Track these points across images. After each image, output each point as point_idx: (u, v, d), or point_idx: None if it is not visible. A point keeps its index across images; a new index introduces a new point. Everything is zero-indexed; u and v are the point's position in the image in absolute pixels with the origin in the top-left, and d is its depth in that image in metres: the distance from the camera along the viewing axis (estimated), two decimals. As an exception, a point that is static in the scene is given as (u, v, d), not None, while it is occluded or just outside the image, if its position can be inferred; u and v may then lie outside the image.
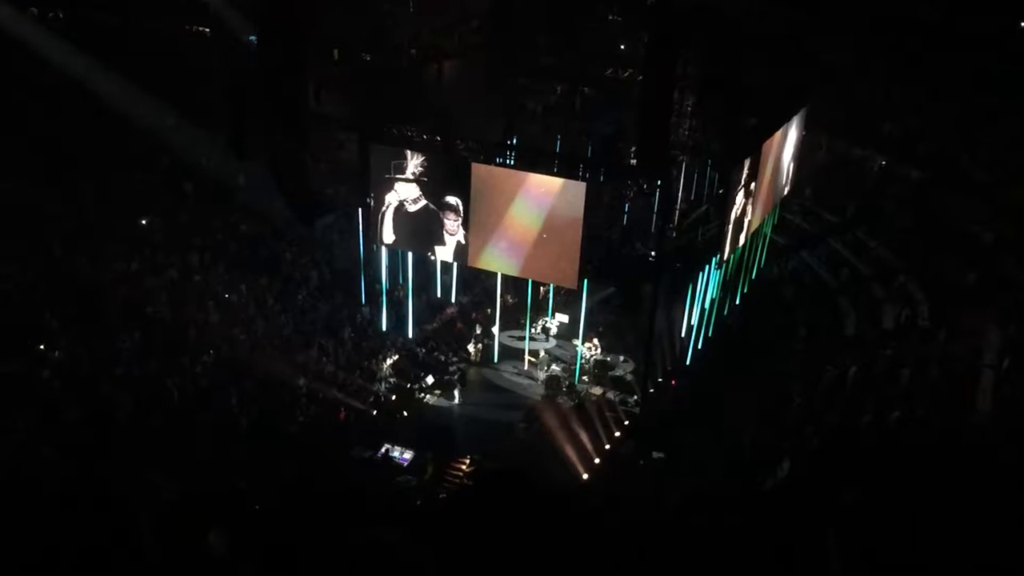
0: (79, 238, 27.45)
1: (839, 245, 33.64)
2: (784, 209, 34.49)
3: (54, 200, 27.62)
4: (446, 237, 26.04)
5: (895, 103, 35.39)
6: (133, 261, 27.47)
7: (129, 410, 21.62)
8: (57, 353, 22.98)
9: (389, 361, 27.42)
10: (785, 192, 32.44)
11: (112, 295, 25.75)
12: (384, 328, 28.82)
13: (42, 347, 23.02)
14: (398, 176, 25.84)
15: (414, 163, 25.60)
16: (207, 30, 36.83)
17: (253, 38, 28.39)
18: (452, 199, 25.40)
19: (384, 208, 26.54)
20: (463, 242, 25.83)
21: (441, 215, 25.69)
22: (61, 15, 35.04)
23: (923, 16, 33.26)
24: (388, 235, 26.82)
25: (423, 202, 25.93)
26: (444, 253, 26.57)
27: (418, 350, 28.43)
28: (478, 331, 29.58)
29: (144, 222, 29.65)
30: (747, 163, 25.70)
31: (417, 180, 25.69)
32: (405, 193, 25.99)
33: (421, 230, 26.29)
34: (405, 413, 25.78)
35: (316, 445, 23.51)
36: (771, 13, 28.63)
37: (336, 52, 33.25)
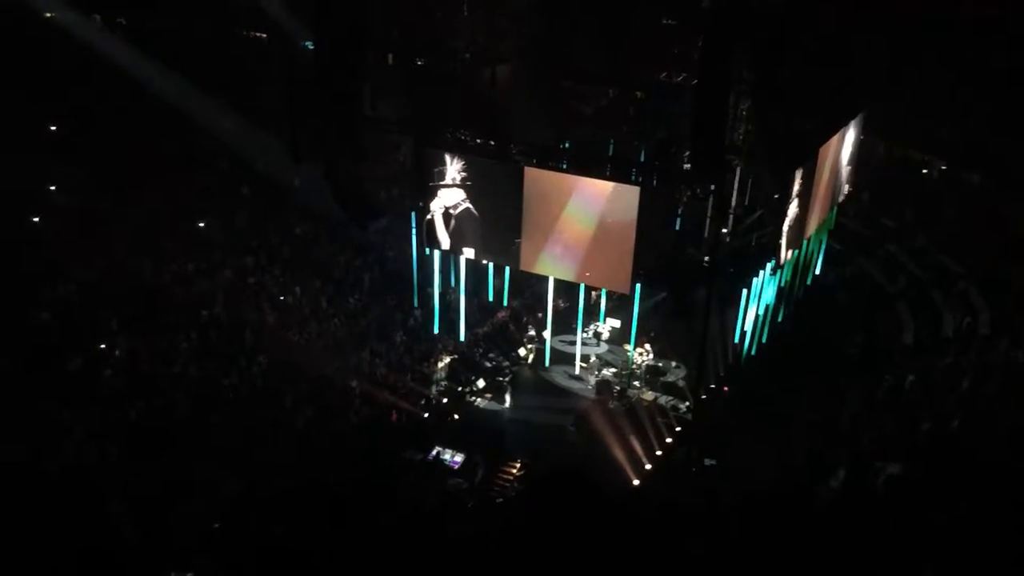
0: (140, 239, 28.01)
1: (897, 250, 33.04)
2: (841, 214, 33.97)
3: (117, 202, 28.22)
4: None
5: (957, 106, 34.63)
6: (191, 262, 27.97)
7: (186, 409, 22.04)
8: (117, 352, 23.47)
9: (444, 362, 27.58)
10: (842, 197, 31.95)
11: (170, 295, 26.27)
12: (436, 331, 28.96)
13: (103, 346, 23.54)
14: (440, 184, 26.01)
15: (454, 168, 25.74)
16: (264, 35, 37.40)
17: (309, 43, 28.74)
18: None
19: (430, 214, 26.76)
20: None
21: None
22: (123, 21, 35.83)
23: (989, 16, 32.47)
24: (444, 240, 27.02)
25: (465, 206, 26.03)
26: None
27: (469, 353, 28.52)
28: (530, 335, 29.59)
29: (202, 224, 30.17)
30: (803, 167, 25.35)
31: (461, 185, 25.80)
32: (449, 199, 26.15)
33: (462, 235, 26.47)
34: (456, 416, 25.88)
35: (368, 447, 23.75)
36: (829, 14, 28.22)
37: (391, 57, 33.60)
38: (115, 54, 32.20)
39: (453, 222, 26.57)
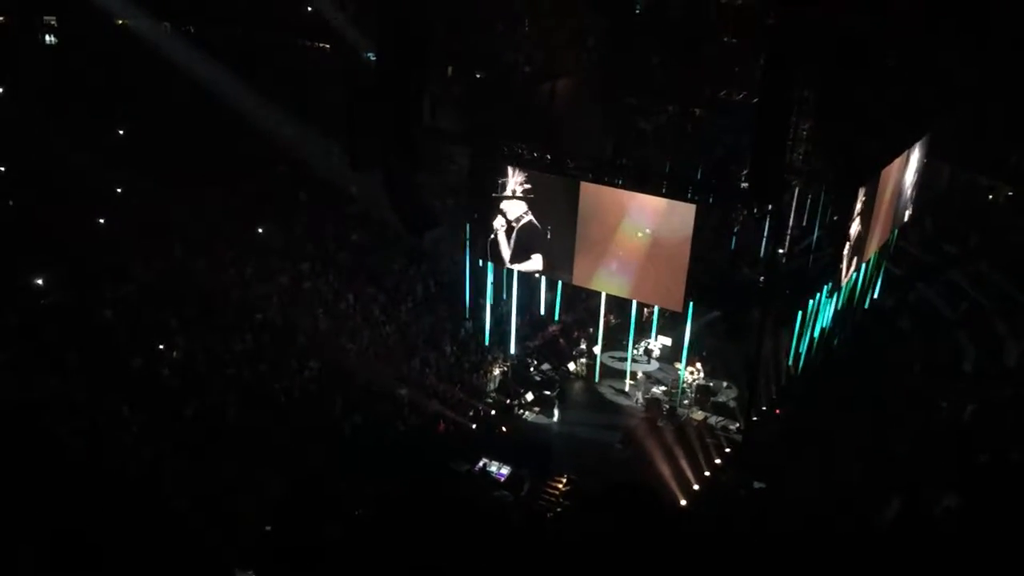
0: (200, 242, 28.55)
1: (959, 277, 32.32)
2: (902, 238, 33.33)
3: (179, 204, 28.83)
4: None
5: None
6: (248, 266, 28.41)
7: (238, 410, 22.36)
8: (175, 353, 23.92)
9: (494, 373, 27.61)
10: (904, 220, 31.35)
11: (228, 299, 26.71)
12: (487, 343, 28.99)
13: (162, 346, 24.01)
14: (503, 195, 26.08)
15: (515, 180, 25.79)
16: (327, 46, 37.95)
17: (371, 54, 29.10)
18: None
19: (493, 233, 26.90)
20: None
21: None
22: (192, 29, 36.67)
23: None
24: (507, 254, 27.13)
25: (528, 218, 26.05)
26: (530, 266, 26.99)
27: (519, 366, 28.51)
28: (580, 349, 29.49)
29: (260, 230, 30.64)
30: (864, 189, 24.95)
31: (524, 197, 25.86)
32: (512, 212, 26.20)
33: (525, 247, 26.48)
34: (504, 428, 25.86)
35: (415, 455, 23.84)
36: (894, 34, 27.74)
37: (451, 69, 33.84)
38: (183, 61, 32.97)
39: (515, 236, 26.57)
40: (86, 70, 31.70)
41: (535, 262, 26.71)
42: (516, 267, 27.30)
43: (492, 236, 26.99)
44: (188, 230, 28.75)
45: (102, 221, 28.56)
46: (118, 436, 20.37)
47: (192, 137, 31.52)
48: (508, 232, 26.67)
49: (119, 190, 30.01)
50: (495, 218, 26.67)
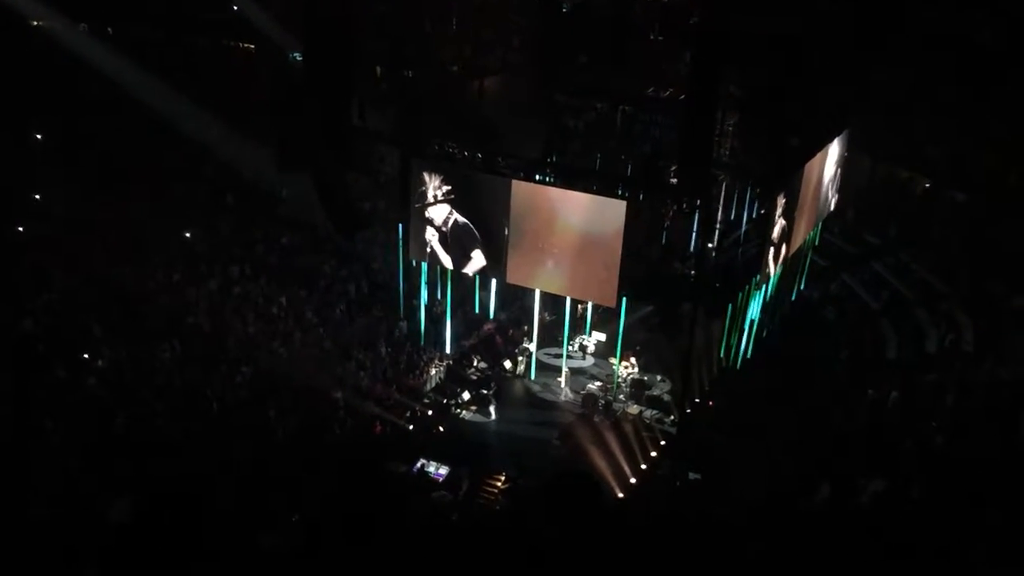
0: (124, 248, 27.88)
1: (881, 267, 33.25)
2: (826, 230, 34.14)
3: (101, 210, 28.12)
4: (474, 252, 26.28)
5: (940, 123, 34.92)
6: (175, 271, 27.83)
7: (168, 419, 21.89)
8: (100, 362, 23.31)
9: (430, 374, 27.53)
10: (827, 213, 32.13)
11: (154, 305, 26.13)
12: (421, 343, 28.87)
13: (86, 355, 23.38)
14: (426, 203, 26.02)
15: (433, 185, 25.76)
16: (252, 46, 37.37)
17: (297, 55, 28.76)
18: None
19: (428, 245, 26.84)
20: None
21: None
22: (110, 30, 35.72)
23: (969, 34, 32.78)
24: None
25: (455, 217, 25.98)
26: (472, 267, 26.85)
27: (455, 365, 28.48)
28: (516, 348, 29.56)
29: (188, 235, 30.05)
30: (788, 183, 25.50)
31: (446, 200, 25.78)
32: (438, 217, 26.16)
33: (463, 248, 26.41)
34: (441, 428, 25.80)
35: (352, 458, 23.64)
36: (814, 32, 28.42)
37: (379, 69, 33.64)
38: (101, 63, 32.10)
39: (449, 240, 26.45)
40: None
41: (477, 259, 26.63)
42: (465, 270, 27.17)
43: (429, 248, 26.85)
44: (111, 236, 28.05)
45: (21, 229, 27.70)
46: (42, 448, 19.75)
47: (113, 141, 30.73)
48: (442, 240, 26.56)
49: (37, 196, 29.13)
50: (425, 230, 26.55)
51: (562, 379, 28.17)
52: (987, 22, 32.72)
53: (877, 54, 31.74)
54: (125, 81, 31.75)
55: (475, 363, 28.84)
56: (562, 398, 27.77)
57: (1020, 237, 29.21)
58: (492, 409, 26.66)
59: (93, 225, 27.91)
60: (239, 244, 30.64)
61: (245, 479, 20.98)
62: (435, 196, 25.85)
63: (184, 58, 34.12)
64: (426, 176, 25.76)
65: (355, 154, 26.59)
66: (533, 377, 28.61)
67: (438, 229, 26.38)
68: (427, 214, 26.27)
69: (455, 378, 27.91)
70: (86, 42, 33.80)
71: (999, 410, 19.97)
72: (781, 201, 25.42)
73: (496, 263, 26.10)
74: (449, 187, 25.65)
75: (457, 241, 26.37)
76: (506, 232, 25.40)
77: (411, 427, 25.47)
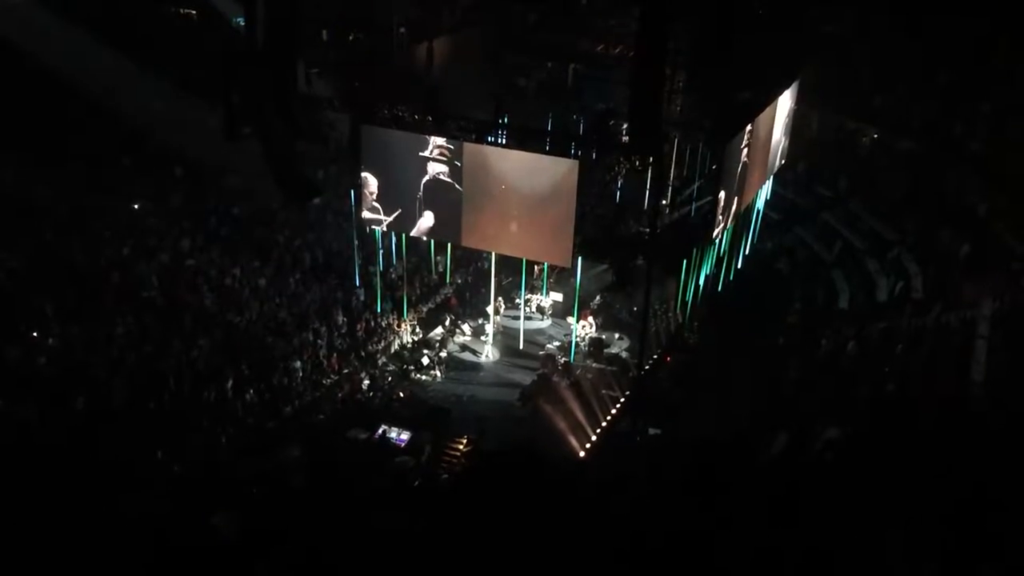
0: (70, 223, 27.28)
1: (832, 219, 33.66)
2: (777, 183, 34.44)
3: (44, 185, 27.42)
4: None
5: (887, 74, 35.24)
6: (125, 246, 27.32)
7: (125, 396, 21.62)
8: (51, 340, 22.90)
9: (388, 340, 27.47)
10: (778, 166, 32.38)
11: (105, 280, 25.67)
12: (379, 310, 28.75)
13: (36, 334, 22.94)
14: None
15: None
16: (193, 12, 36.45)
17: (241, 20, 28.10)
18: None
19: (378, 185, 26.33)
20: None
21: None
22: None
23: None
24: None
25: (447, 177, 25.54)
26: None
27: (414, 330, 28.46)
28: (472, 310, 29.61)
29: (136, 207, 29.46)
30: (738, 138, 25.61)
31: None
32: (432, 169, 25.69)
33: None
34: (401, 394, 25.81)
35: (313, 427, 23.62)
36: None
37: (325, 33, 33.03)
38: (36, 30, 31.10)
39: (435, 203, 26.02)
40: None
41: (427, 219, 26.35)
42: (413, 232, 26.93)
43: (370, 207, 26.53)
44: (57, 211, 27.41)
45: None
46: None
47: (53, 113, 29.87)
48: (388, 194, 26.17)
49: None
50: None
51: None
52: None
53: (821, 4, 31.90)
54: (61, 50, 30.82)
55: (433, 327, 28.84)
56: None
57: (965, 185, 29.74)
58: (453, 372, 26.75)
59: (37, 201, 27.22)
60: (189, 216, 30.10)
61: (203, 458, 20.95)
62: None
63: (123, 25, 33.11)
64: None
65: (304, 121, 26.10)
66: (492, 340, 28.63)
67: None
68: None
69: (414, 343, 27.89)
70: (18, 9, 32.74)
71: (948, 355, 20.39)
72: (732, 156, 25.53)
73: (451, 226, 25.93)
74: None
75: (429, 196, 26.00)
76: (460, 195, 25.22)
77: (372, 394, 25.45)
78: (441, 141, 24.97)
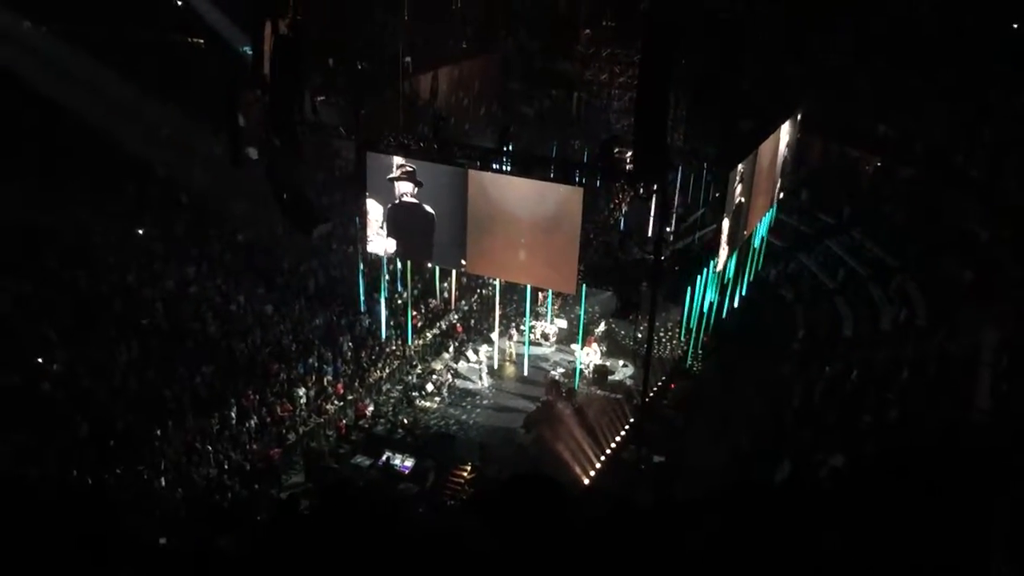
0: (76, 250, 27.40)
1: (836, 246, 33.71)
2: (780, 211, 34.55)
3: (49, 211, 27.56)
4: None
5: (889, 103, 35.43)
6: (130, 272, 27.43)
7: (128, 421, 21.62)
8: (56, 366, 22.94)
9: (392, 366, 27.45)
10: (781, 195, 32.49)
11: (109, 306, 25.75)
12: (383, 336, 28.74)
13: (40, 360, 22.98)
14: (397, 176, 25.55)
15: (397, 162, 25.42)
16: (201, 41, 36.79)
17: (248, 48, 28.37)
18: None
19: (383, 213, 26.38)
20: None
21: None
22: (53, 28, 34.95)
23: (918, 15, 33.36)
24: (387, 244, 26.72)
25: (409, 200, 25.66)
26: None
27: (416, 359, 28.44)
28: (478, 338, 29.60)
29: (140, 232, 29.60)
30: (743, 166, 25.74)
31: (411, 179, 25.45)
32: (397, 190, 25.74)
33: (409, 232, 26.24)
34: (405, 421, 25.77)
35: (317, 453, 23.57)
36: (764, 15, 28.74)
37: (331, 61, 33.33)
38: (46, 61, 31.43)
39: (396, 224, 26.18)
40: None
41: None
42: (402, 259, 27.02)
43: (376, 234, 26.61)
44: (62, 238, 27.55)
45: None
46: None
47: (58, 140, 30.08)
48: (394, 222, 26.26)
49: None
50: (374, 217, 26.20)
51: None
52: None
53: (823, 36, 32.17)
54: (71, 78, 31.13)
55: (438, 354, 28.85)
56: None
57: (967, 211, 29.79)
58: (458, 399, 26.71)
59: (42, 227, 27.34)
60: (194, 242, 30.22)
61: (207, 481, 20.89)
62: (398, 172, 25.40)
63: (131, 55, 33.44)
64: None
65: (309, 148, 26.28)
66: (496, 367, 28.61)
67: (397, 206, 26.05)
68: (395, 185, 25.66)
69: (419, 373, 27.92)
70: (30, 39, 33.09)
71: (952, 383, 20.35)
72: (735, 184, 25.64)
73: (455, 253, 25.98)
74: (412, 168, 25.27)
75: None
76: (465, 222, 25.30)
77: (376, 420, 25.43)
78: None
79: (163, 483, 20.27)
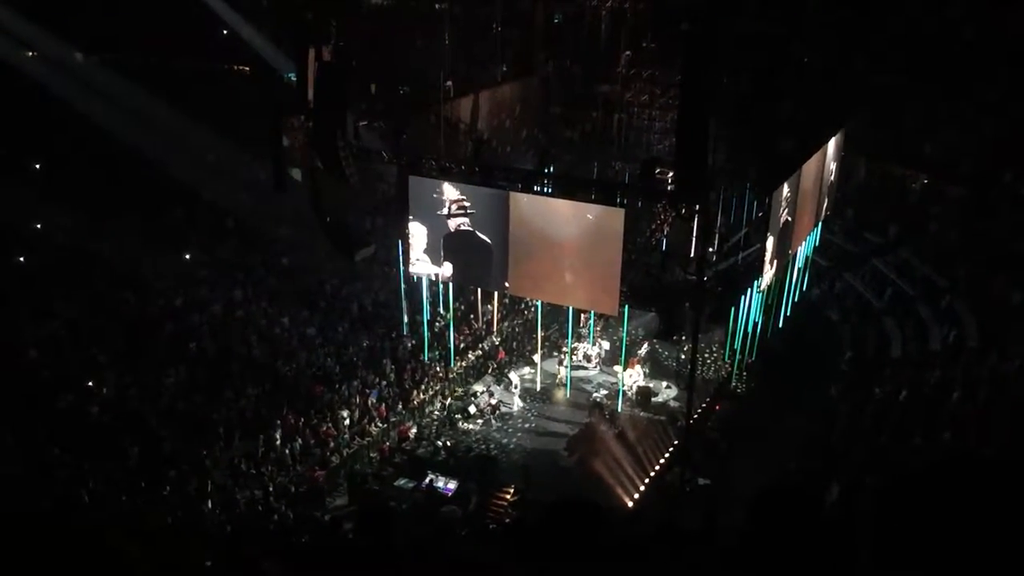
0: (125, 275, 27.92)
1: (883, 265, 33.20)
2: (826, 230, 34.15)
3: (99, 237, 28.14)
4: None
5: (936, 121, 34.93)
6: (178, 297, 27.85)
7: (175, 444, 21.87)
8: (105, 390, 23.31)
9: (435, 388, 27.46)
10: (826, 213, 32.13)
11: (158, 331, 26.15)
12: (426, 359, 28.80)
13: (90, 383, 23.37)
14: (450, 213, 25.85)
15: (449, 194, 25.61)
16: (247, 68, 37.49)
17: (292, 75, 28.84)
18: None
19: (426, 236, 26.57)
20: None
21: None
22: (103, 58, 35.87)
23: (964, 33, 32.93)
24: (442, 269, 26.88)
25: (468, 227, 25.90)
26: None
27: (460, 380, 28.45)
28: (520, 360, 29.53)
29: (187, 257, 30.08)
30: (786, 185, 25.50)
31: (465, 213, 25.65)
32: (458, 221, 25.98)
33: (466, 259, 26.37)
34: (448, 443, 25.75)
35: (361, 476, 23.62)
36: (808, 35, 28.51)
37: (373, 87, 33.69)
38: (97, 90, 32.24)
39: (453, 250, 26.40)
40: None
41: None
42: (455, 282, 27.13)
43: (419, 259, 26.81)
44: (112, 263, 28.09)
45: (22, 259, 27.76)
46: (50, 479, 19.72)
47: (111, 168, 30.76)
48: (449, 248, 26.40)
49: (38, 226, 29.20)
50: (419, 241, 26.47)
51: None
52: (968, 18, 32.98)
53: (866, 53, 31.82)
54: (121, 107, 31.87)
55: (480, 376, 28.83)
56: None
57: (1017, 230, 29.19)
58: (500, 422, 26.64)
59: (94, 253, 27.92)
60: (240, 267, 30.63)
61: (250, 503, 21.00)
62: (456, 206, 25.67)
63: (179, 83, 34.17)
64: (446, 186, 25.64)
65: (352, 173, 26.56)
66: (539, 389, 28.51)
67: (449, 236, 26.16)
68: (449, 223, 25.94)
69: (461, 395, 27.92)
70: (81, 70, 33.98)
71: (1004, 404, 19.89)
72: (779, 203, 25.41)
73: (498, 275, 26.04)
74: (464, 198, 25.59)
75: (462, 253, 26.27)
76: (507, 244, 25.35)
77: (419, 443, 25.44)
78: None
79: (209, 505, 20.42)
